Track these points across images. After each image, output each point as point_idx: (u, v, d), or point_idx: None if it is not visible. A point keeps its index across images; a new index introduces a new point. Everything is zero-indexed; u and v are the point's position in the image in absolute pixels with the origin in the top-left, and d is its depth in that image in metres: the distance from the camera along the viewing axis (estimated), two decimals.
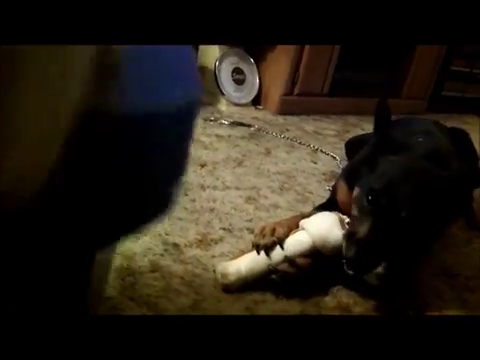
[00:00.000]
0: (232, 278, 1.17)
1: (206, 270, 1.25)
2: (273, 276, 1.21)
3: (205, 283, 1.19)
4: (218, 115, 2.50)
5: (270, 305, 1.17)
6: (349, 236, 1.18)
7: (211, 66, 2.65)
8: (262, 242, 1.21)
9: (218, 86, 2.64)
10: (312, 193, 1.81)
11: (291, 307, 1.18)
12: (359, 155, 1.49)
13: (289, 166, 2.04)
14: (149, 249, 1.28)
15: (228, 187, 1.73)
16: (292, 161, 2.11)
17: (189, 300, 1.14)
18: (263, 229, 1.26)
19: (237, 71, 2.70)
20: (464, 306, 1.33)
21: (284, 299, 1.20)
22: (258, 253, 1.20)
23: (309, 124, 2.71)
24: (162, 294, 1.14)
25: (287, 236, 1.24)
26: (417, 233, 1.19)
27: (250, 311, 1.14)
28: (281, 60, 2.67)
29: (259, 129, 2.42)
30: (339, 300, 1.24)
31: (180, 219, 1.46)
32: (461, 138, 1.80)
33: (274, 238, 1.22)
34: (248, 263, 1.19)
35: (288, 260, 1.22)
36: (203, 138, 2.14)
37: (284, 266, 1.22)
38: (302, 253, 1.21)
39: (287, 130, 2.52)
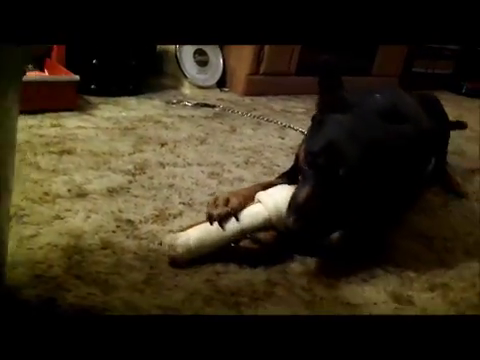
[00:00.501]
0: (180, 250, 1.06)
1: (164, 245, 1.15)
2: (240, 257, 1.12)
3: (161, 258, 1.09)
4: (181, 98, 2.39)
5: (233, 275, 1.08)
6: (290, 203, 1.09)
7: (172, 48, 2.55)
8: (215, 212, 1.11)
9: (180, 69, 2.54)
10: (279, 166, 1.71)
11: (256, 276, 1.08)
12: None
13: (255, 142, 1.95)
14: (100, 227, 1.18)
15: (190, 164, 1.63)
16: (258, 137, 2.02)
17: (142, 275, 1.03)
18: (217, 199, 1.16)
19: (199, 52, 2.60)
20: (443, 265, 1.24)
21: (248, 268, 1.10)
22: (211, 224, 1.10)
23: (277, 104, 2.62)
24: (113, 270, 1.04)
25: (243, 207, 1.14)
26: (365, 192, 1.09)
27: (211, 283, 1.04)
28: None
29: (224, 109, 2.32)
30: (306, 266, 1.14)
31: (136, 196, 1.36)
32: (431, 102, 1.74)
33: (228, 209, 1.12)
34: (198, 234, 1.09)
35: (252, 237, 1.13)
36: (164, 119, 2.04)
37: (247, 243, 1.13)
38: (256, 227, 1.12)
39: (254, 109, 2.43)
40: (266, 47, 2.61)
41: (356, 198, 1.09)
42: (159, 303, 0.96)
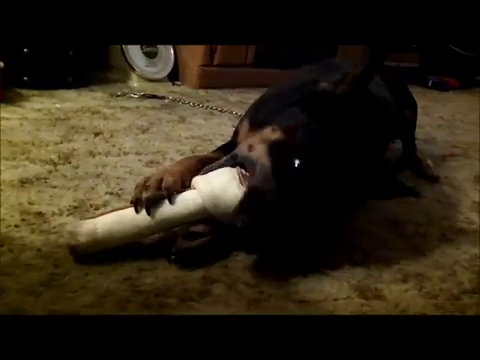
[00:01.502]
0: (82, 239, 0.84)
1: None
2: (172, 257, 0.90)
3: (69, 255, 0.87)
4: (127, 91, 2.18)
5: (161, 272, 0.86)
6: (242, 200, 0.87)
7: None
8: (144, 195, 0.89)
9: (127, 61, 2.33)
10: None
11: (189, 273, 0.87)
12: (271, 90, 1.22)
13: (206, 131, 1.75)
14: (1, 221, 0.96)
15: (126, 153, 1.42)
16: (210, 127, 1.82)
17: (43, 276, 0.82)
18: (147, 180, 0.95)
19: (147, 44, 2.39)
20: (416, 253, 1.05)
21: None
22: (136, 211, 0.88)
23: (233, 96, 2.43)
24: (5, 271, 0.81)
25: (179, 187, 0.93)
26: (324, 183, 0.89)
27: (130, 283, 0.82)
28: None
29: (174, 100, 2.12)
30: (252, 260, 0.93)
31: (54, 187, 1.14)
32: (397, 85, 1.58)
33: (161, 192, 0.90)
34: (109, 223, 0.87)
35: (184, 233, 0.93)
36: (104, 110, 1.82)
37: (180, 242, 0.92)
38: (186, 217, 0.90)
39: (208, 101, 2.23)
40: None
41: (315, 192, 0.89)
42: (57, 308, 0.74)
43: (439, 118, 2.59)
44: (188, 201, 0.90)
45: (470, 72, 3.84)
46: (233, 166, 0.94)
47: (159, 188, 0.91)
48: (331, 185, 0.89)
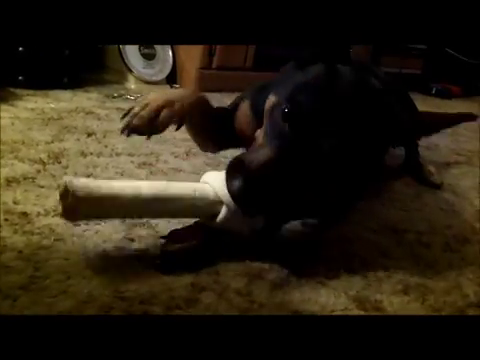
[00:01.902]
0: (80, 194, 0.76)
1: (62, 241, 0.88)
2: (157, 261, 0.85)
3: (52, 256, 0.83)
4: (123, 92, 2.13)
5: (147, 278, 0.82)
6: (235, 162, 0.83)
7: None
8: (134, 122, 0.89)
9: (124, 62, 2.28)
10: (227, 157, 1.46)
11: (177, 280, 0.82)
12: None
13: None
14: None
15: (118, 154, 1.37)
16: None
17: (22, 278, 0.77)
18: (144, 106, 0.92)
19: (145, 45, 2.35)
20: (418, 263, 1.00)
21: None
22: (125, 133, 0.88)
23: (232, 99, 2.38)
24: None
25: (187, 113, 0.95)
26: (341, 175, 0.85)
27: (114, 288, 0.77)
28: None
29: None
30: (246, 267, 0.88)
31: (41, 187, 1.09)
32: (398, 90, 1.54)
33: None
34: (116, 188, 0.80)
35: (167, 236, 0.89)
36: (98, 111, 1.78)
37: (166, 245, 0.87)
38: (197, 208, 0.86)
39: None
40: None
41: (329, 180, 0.84)
42: (33, 313, 0.69)
43: None
44: (197, 191, 0.85)
45: (473, 79, 3.80)
46: None
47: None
48: (322, 137, 0.83)
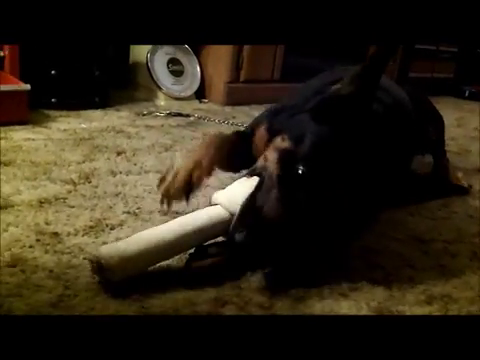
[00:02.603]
0: (109, 261, 0.81)
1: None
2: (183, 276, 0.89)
3: (82, 275, 0.86)
4: (153, 109, 2.18)
5: (171, 293, 0.84)
6: (249, 209, 0.86)
7: (144, 59, 2.35)
8: (174, 194, 0.93)
9: (153, 80, 2.34)
10: None
11: (200, 294, 0.85)
12: (288, 98, 1.19)
13: None
14: (16, 241, 0.96)
15: (146, 171, 1.41)
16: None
17: (52, 297, 0.80)
18: (175, 175, 0.95)
19: (173, 62, 2.40)
20: (443, 273, 0.99)
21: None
22: (164, 208, 0.92)
23: (260, 111, 2.40)
24: (14, 292, 0.80)
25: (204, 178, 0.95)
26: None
27: (140, 304, 0.80)
28: (221, 45, 2.39)
29: (200, 118, 2.11)
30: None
31: (72, 207, 1.13)
32: (419, 98, 1.53)
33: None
34: (135, 242, 0.85)
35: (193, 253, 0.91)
36: (129, 129, 1.83)
37: (192, 261, 0.90)
38: (213, 233, 0.90)
39: (234, 117, 2.21)
40: (245, 52, 2.41)
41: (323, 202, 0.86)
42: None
43: (474, 130, 2.51)
44: (212, 216, 0.89)
45: None
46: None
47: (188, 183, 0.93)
48: (341, 194, 0.85)
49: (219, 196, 0.94)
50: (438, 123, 1.61)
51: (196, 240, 0.90)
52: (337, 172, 0.86)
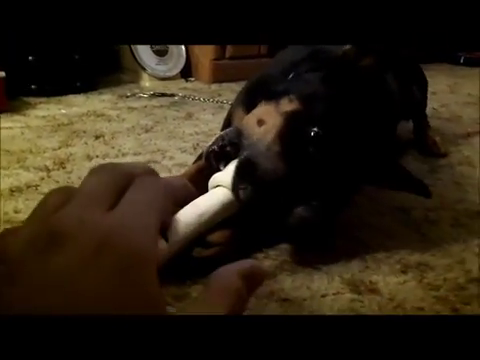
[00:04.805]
0: None
1: None
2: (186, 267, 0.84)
3: None
4: (138, 91, 2.15)
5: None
6: (245, 167, 0.80)
7: None
8: None
9: (137, 61, 2.30)
10: None
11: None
12: (259, 75, 1.16)
13: (212, 126, 1.69)
14: None
15: (124, 154, 1.38)
16: (218, 121, 1.75)
17: None
18: None
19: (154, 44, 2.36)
20: (422, 241, 0.97)
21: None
22: None
23: None
24: None
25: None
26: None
27: None
28: None
29: (185, 97, 2.08)
30: (243, 256, 0.87)
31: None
32: (405, 65, 1.49)
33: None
34: None
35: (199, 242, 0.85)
36: (110, 112, 1.80)
37: (195, 251, 0.85)
38: (222, 213, 0.83)
39: (219, 95, 2.17)
40: None
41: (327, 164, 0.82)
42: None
43: (467, 95, 2.46)
44: (220, 196, 0.83)
45: None
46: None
47: None
48: (343, 160, 0.82)
49: (219, 177, 0.86)
50: (422, 83, 1.57)
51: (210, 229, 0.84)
52: (348, 135, 0.82)
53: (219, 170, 0.83)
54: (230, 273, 0.31)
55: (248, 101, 1.02)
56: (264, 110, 0.88)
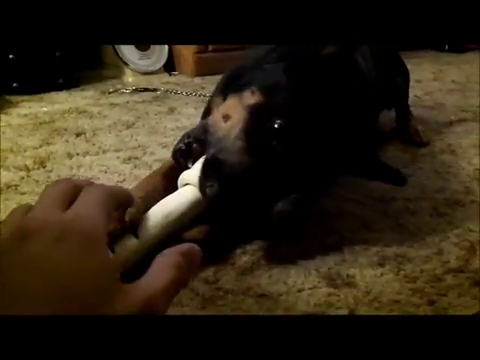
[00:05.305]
0: None
1: None
2: None
3: None
4: (120, 87, 2.14)
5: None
6: (211, 164, 0.80)
7: None
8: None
9: (119, 57, 2.29)
10: None
11: None
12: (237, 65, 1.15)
13: (194, 120, 1.68)
14: None
15: (105, 151, 1.38)
16: (199, 115, 1.75)
17: None
18: None
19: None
20: (401, 232, 0.97)
21: None
22: None
23: None
24: None
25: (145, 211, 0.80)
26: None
27: None
28: None
29: (167, 91, 2.07)
30: (220, 252, 0.87)
31: (23, 194, 1.10)
32: (386, 54, 1.48)
33: (125, 226, 0.76)
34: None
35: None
36: (91, 109, 1.79)
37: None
38: (188, 213, 0.82)
39: (202, 88, 2.17)
40: None
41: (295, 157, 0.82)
42: None
43: (451, 82, 2.46)
44: (188, 195, 0.82)
45: None
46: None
47: (122, 220, 0.76)
48: (310, 152, 0.82)
49: (187, 176, 0.86)
50: (404, 73, 1.58)
51: (181, 229, 0.84)
52: (312, 127, 0.82)
53: (188, 168, 0.83)
54: (170, 252, 0.41)
55: (224, 93, 1.02)
56: (229, 104, 0.89)
